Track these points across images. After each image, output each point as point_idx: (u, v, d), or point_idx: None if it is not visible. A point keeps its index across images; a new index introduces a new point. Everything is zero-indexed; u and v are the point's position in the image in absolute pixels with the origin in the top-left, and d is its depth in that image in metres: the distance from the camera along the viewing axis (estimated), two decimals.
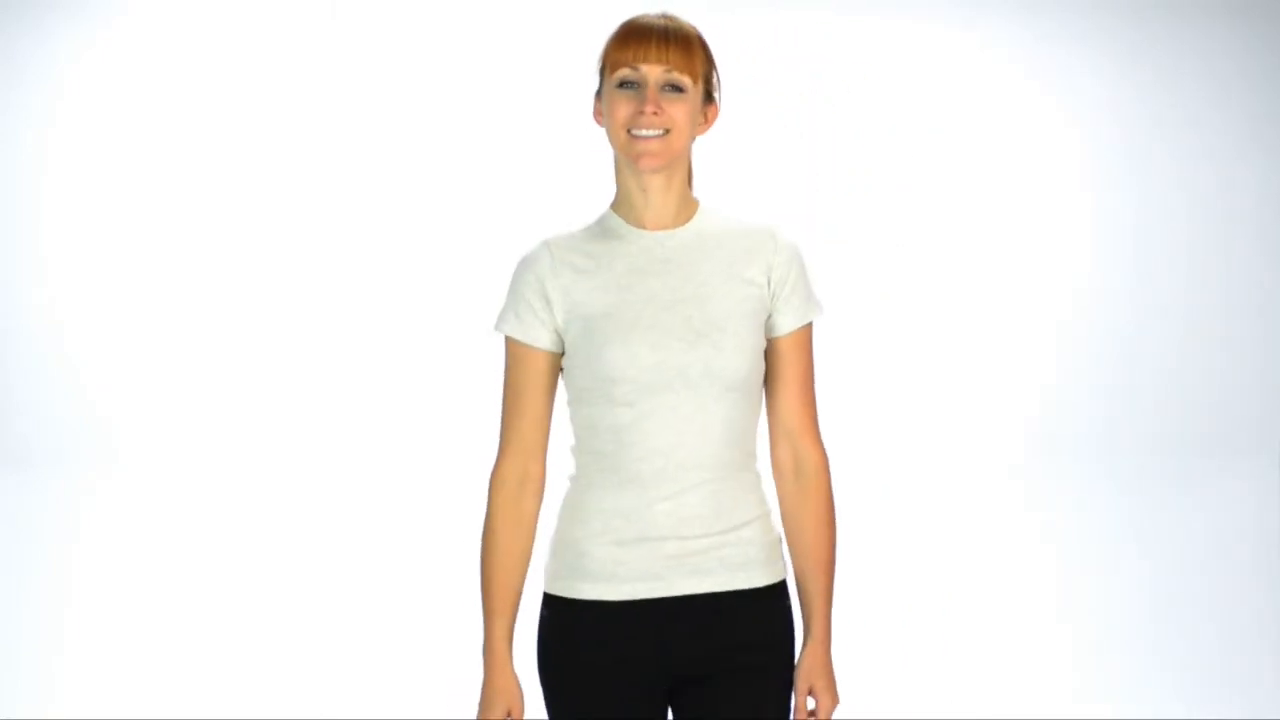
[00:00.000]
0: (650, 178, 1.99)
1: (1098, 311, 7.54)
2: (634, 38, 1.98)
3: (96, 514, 5.87)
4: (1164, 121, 7.74)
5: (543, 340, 1.99)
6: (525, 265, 2.03)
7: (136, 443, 6.98)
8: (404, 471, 6.85)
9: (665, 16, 2.01)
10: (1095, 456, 7.19)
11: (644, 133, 1.99)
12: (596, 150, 7.29)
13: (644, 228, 2.04)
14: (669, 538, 1.99)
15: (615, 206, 2.08)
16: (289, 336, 7.20)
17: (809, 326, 2.04)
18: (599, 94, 2.06)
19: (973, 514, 5.93)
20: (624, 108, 1.98)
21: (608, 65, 2.02)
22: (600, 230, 2.06)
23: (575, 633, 2.02)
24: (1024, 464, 7.28)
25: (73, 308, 7.12)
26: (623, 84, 2.00)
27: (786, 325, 2.00)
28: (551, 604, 2.08)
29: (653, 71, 1.97)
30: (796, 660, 2.02)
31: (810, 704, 2.05)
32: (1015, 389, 7.62)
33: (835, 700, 2.04)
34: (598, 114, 2.08)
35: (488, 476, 2.04)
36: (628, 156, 2.00)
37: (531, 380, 2.01)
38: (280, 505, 6.03)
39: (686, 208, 2.03)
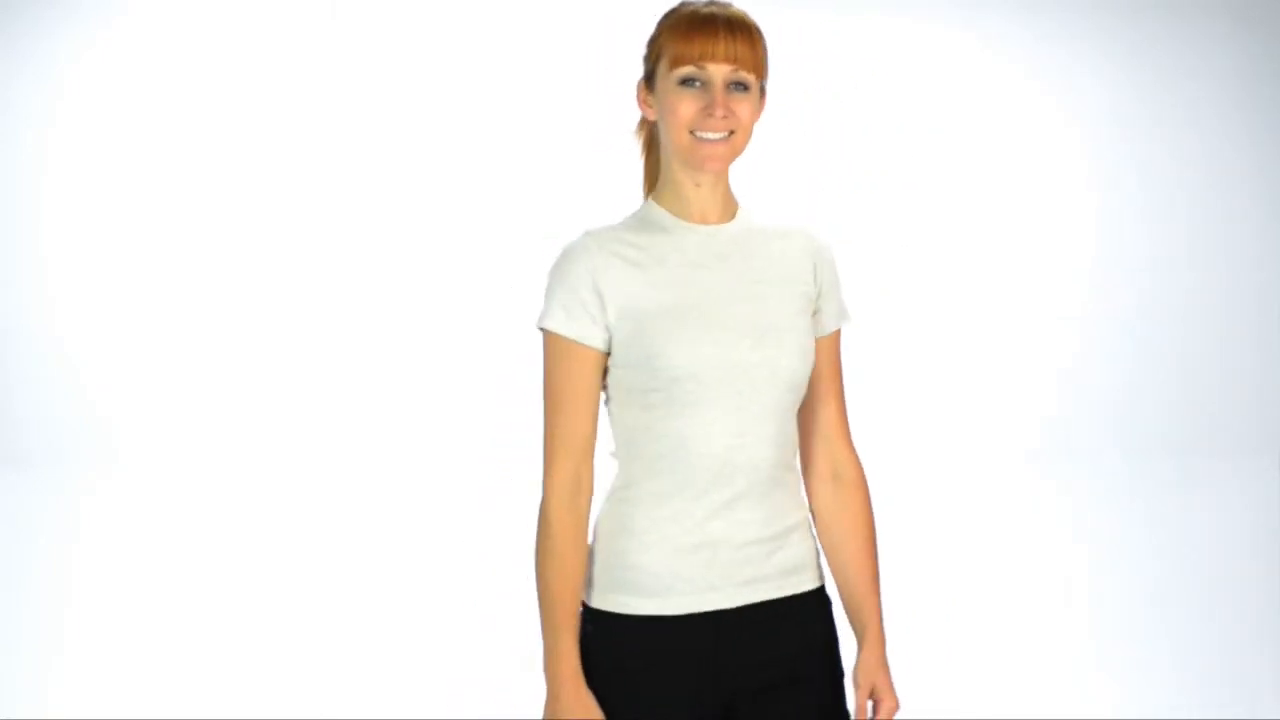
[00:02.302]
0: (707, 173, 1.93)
1: (1100, 311, 7.54)
2: (700, 33, 1.85)
3: (96, 513, 5.87)
4: (1164, 121, 7.75)
5: (594, 337, 1.87)
6: (572, 257, 1.89)
7: (136, 443, 6.98)
8: (402, 470, 6.85)
9: (721, 4, 1.90)
10: (1097, 457, 7.19)
11: (710, 135, 1.87)
12: (597, 150, 7.27)
13: (692, 221, 1.96)
14: (724, 545, 1.89)
15: (658, 199, 1.95)
16: (288, 336, 7.21)
17: (840, 331, 2.02)
18: (649, 81, 1.91)
19: (973, 514, 5.93)
20: (688, 107, 1.85)
21: (667, 57, 1.87)
22: (644, 223, 1.94)
23: (627, 650, 1.89)
24: (1024, 464, 7.28)
25: (73, 308, 7.13)
26: (685, 81, 1.88)
27: (826, 327, 1.96)
28: (599, 620, 1.91)
29: (720, 70, 1.84)
30: (853, 664, 2.00)
31: (869, 707, 2.02)
32: (1016, 389, 7.62)
33: (897, 702, 2.00)
34: (644, 102, 1.92)
35: (542, 482, 1.87)
36: (689, 157, 1.87)
37: (582, 380, 1.88)
38: (279, 504, 6.03)
39: (730, 203, 1.97)
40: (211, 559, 5.18)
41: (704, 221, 1.94)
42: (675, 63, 1.85)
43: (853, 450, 2.04)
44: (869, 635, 2.00)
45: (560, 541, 1.88)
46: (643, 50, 1.94)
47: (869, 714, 2.02)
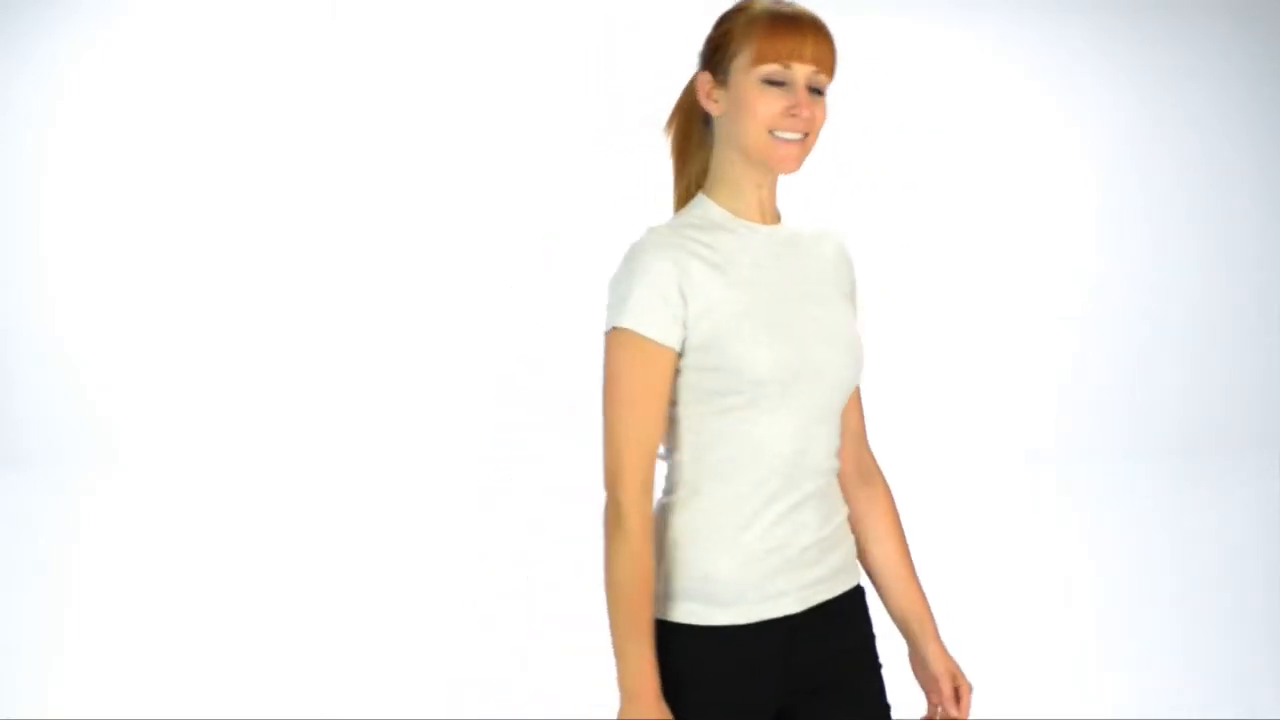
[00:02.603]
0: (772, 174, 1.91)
1: (1101, 311, 7.54)
2: (787, 32, 1.82)
3: (96, 513, 5.87)
4: (1165, 121, 7.75)
5: (673, 338, 1.81)
6: (653, 255, 1.82)
7: (136, 443, 6.98)
8: (402, 470, 6.85)
9: (796, 5, 1.88)
10: (1098, 456, 7.19)
11: (790, 136, 1.86)
12: (597, 150, 7.24)
13: (751, 220, 1.94)
14: (791, 549, 1.87)
15: (713, 196, 1.91)
16: (288, 336, 7.21)
17: None
18: (717, 73, 1.87)
19: (974, 512, 5.93)
20: (769, 106, 1.81)
21: (748, 54, 1.83)
22: (705, 222, 1.89)
23: (699, 662, 1.85)
24: (1026, 464, 7.28)
25: (73, 308, 7.13)
26: (768, 79, 1.86)
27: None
28: (667, 632, 1.86)
29: (804, 71, 1.81)
30: (916, 660, 2.02)
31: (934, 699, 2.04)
32: (1016, 389, 7.63)
33: (969, 683, 2.04)
34: (710, 97, 1.88)
35: (610, 485, 1.80)
36: (765, 156, 1.83)
37: (659, 381, 1.82)
38: (279, 504, 6.03)
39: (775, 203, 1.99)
40: (211, 559, 5.18)
41: (762, 221, 1.93)
42: (759, 60, 1.82)
43: (871, 449, 2.05)
44: (928, 628, 2.01)
45: (641, 546, 1.81)
46: (704, 43, 1.89)
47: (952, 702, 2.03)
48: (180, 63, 6.96)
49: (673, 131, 1.97)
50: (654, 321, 1.80)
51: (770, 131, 1.82)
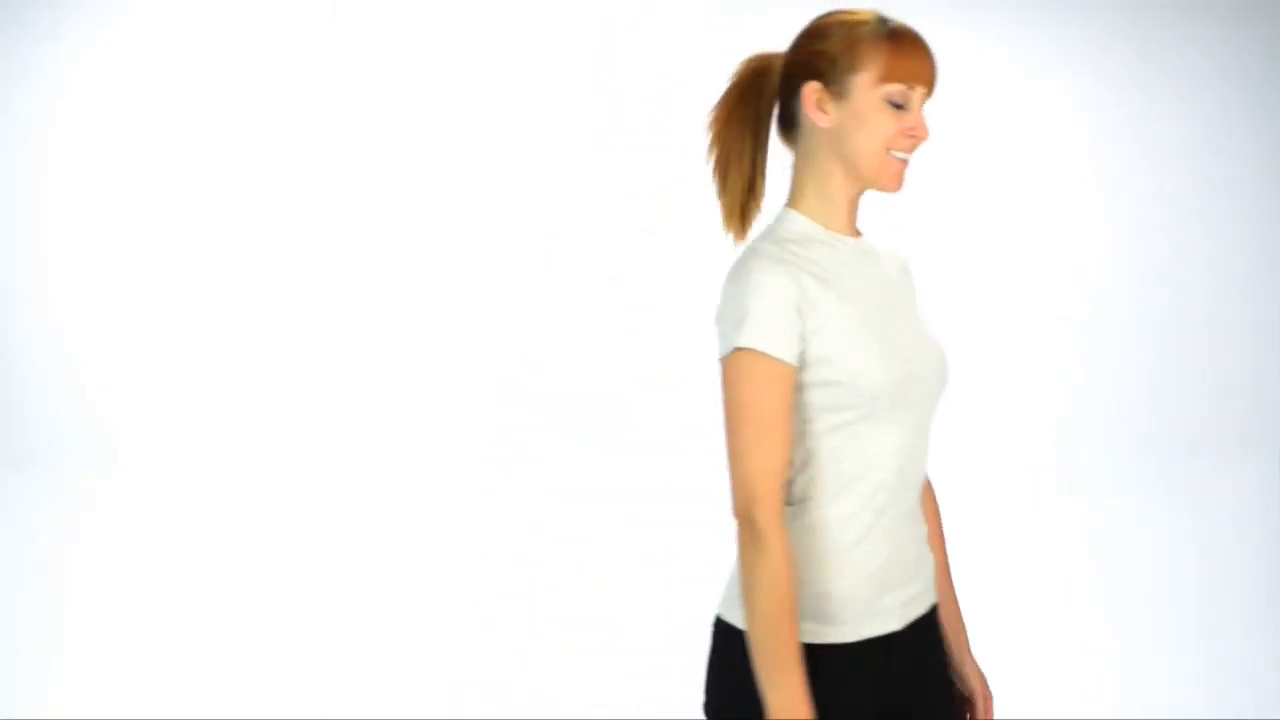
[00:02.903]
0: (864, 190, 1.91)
1: (1103, 312, 7.54)
2: (913, 53, 1.83)
3: (97, 514, 5.88)
4: (1170, 120, 7.75)
5: (795, 355, 1.78)
6: (767, 271, 1.78)
7: (137, 443, 6.98)
8: (403, 470, 6.86)
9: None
10: (1103, 458, 7.18)
11: (904, 155, 1.87)
12: (596, 150, 7.24)
13: (841, 234, 1.93)
14: (896, 565, 1.86)
15: (805, 210, 1.90)
16: (290, 336, 7.21)
17: None
18: (830, 86, 1.86)
19: (977, 514, 5.93)
20: (889, 125, 1.82)
21: (873, 71, 1.83)
22: (800, 236, 1.88)
23: (818, 681, 1.82)
24: (1027, 464, 7.28)
25: (74, 309, 7.13)
26: (891, 99, 1.83)
27: None
28: None
29: (920, 93, 1.83)
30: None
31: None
32: (1019, 390, 7.62)
33: (991, 695, 2.06)
34: (819, 108, 1.86)
35: (746, 512, 1.75)
36: (877, 174, 1.84)
37: (785, 400, 1.78)
38: (280, 504, 6.03)
39: None
40: (212, 559, 5.18)
41: (849, 234, 1.93)
42: (885, 79, 1.82)
43: None
44: (963, 641, 2.03)
45: (786, 571, 1.76)
46: (807, 53, 1.87)
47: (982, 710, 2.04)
48: (181, 63, 6.97)
49: (727, 137, 1.94)
50: (777, 339, 1.77)
51: (887, 150, 1.83)
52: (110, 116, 6.94)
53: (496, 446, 6.87)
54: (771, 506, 1.76)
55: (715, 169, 1.93)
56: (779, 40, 6.56)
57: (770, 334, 1.76)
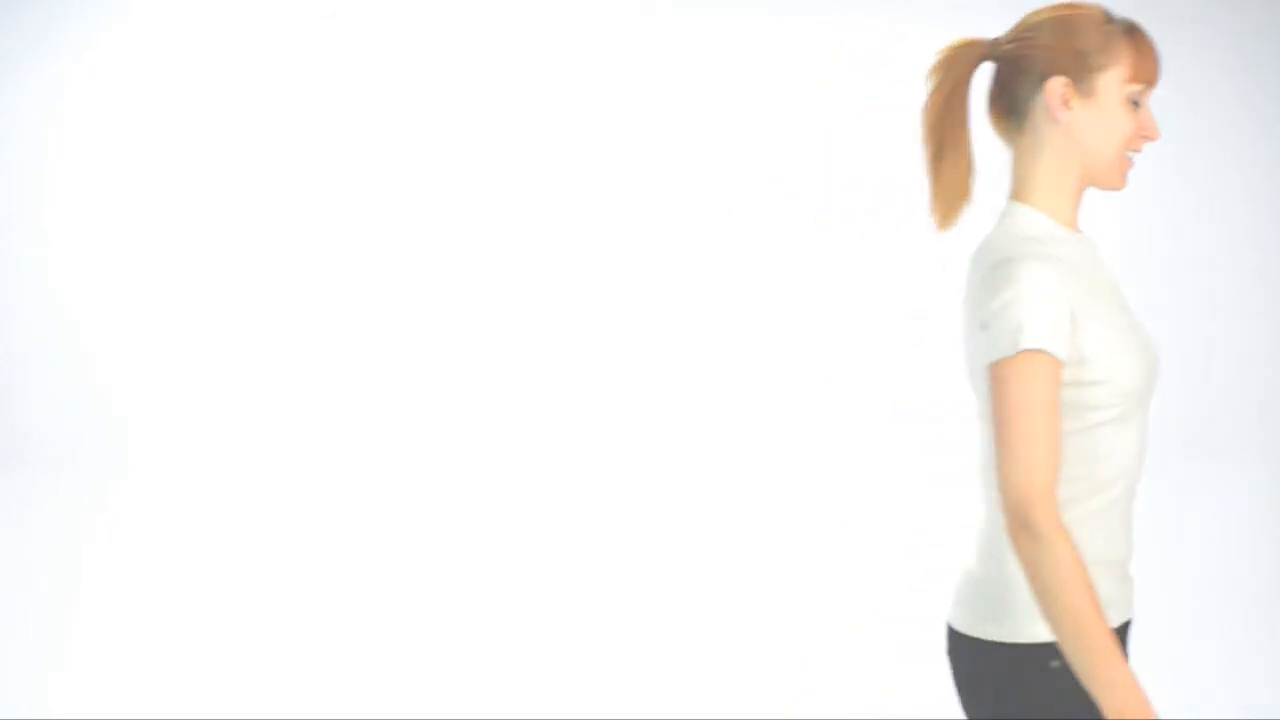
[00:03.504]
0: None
1: None
2: (1150, 53, 1.84)
3: (105, 514, 5.88)
4: (1170, 121, 7.74)
5: (1067, 354, 1.77)
6: (1038, 271, 1.76)
7: (149, 442, 6.98)
8: (412, 470, 6.85)
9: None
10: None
11: (1134, 155, 1.91)
12: (598, 150, 7.23)
13: (1070, 229, 1.89)
14: (1126, 559, 1.87)
15: (1038, 206, 1.89)
16: (303, 336, 7.20)
17: None
18: (1080, 82, 1.85)
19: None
20: (1130, 125, 1.83)
21: (1122, 70, 1.83)
22: (1042, 233, 1.87)
23: (1073, 679, 1.83)
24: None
25: (84, 308, 7.13)
26: (1134, 100, 1.83)
27: None
28: (1043, 654, 1.82)
29: (1149, 94, 1.88)
30: None
31: None
32: None
33: None
34: (1066, 103, 1.84)
35: (1025, 514, 1.72)
36: (1112, 172, 1.85)
37: (1057, 399, 1.76)
38: (287, 504, 6.03)
39: None
40: (215, 559, 5.19)
41: (1073, 229, 1.90)
42: (1133, 79, 1.82)
43: None
44: None
45: (1080, 567, 1.73)
46: (1051, 48, 1.86)
47: None
48: (182, 63, 6.98)
49: (947, 124, 1.90)
50: (1057, 339, 1.75)
51: (1124, 149, 1.84)
52: (118, 115, 6.94)
53: (496, 446, 6.88)
54: (1050, 506, 1.74)
55: (933, 158, 1.91)
56: (779, 41, 6.55)
57: (1053, 334, 1.74)
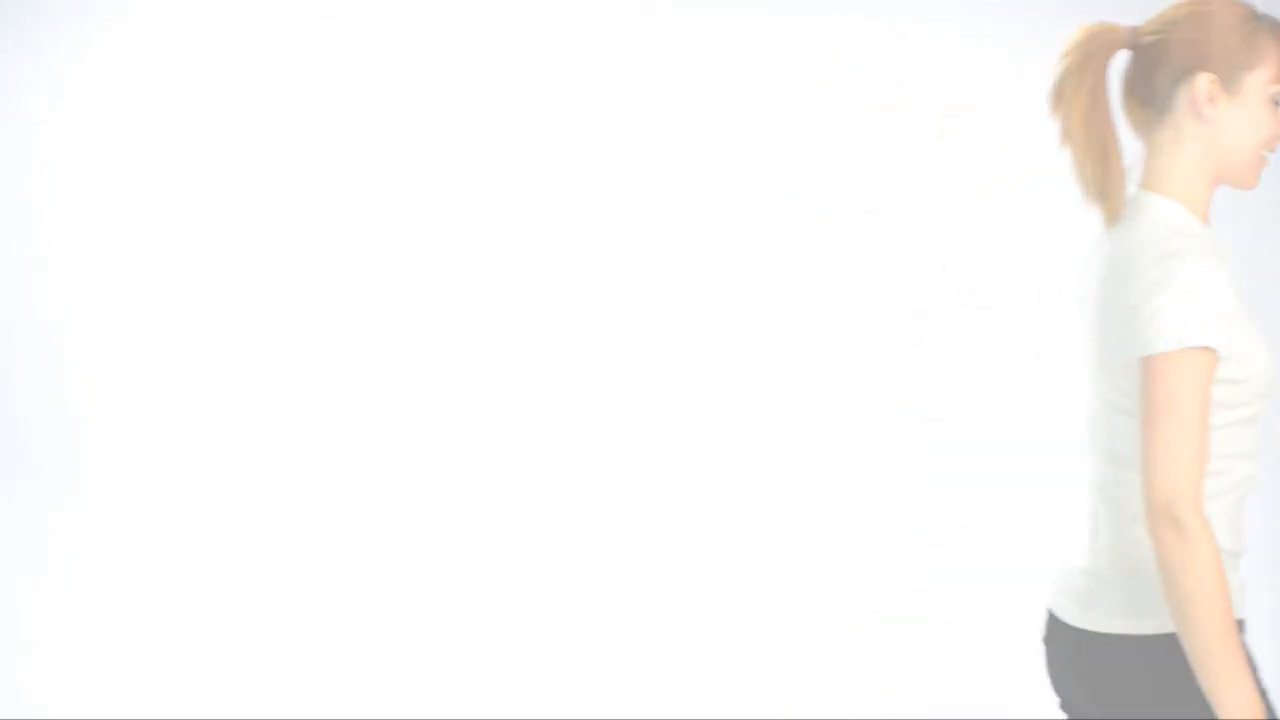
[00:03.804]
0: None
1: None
2: None
3: (93, 512, 5.87)
4: None
5: (1226, 350, 1.77)
6: (1205, 266, 1.75)
7: (136, 442, 6.97)
8: (403, 469, 6.83)
9: None
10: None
11: (1270, 155, 1.90)
12: (597, 150, 7.21)
13: (1205, 224, 1.90)
14: (1242, 557, 1.93)
15: (1176, 199, 1.88)
16: (290, 341, 7.18)
17: None
18: (1226, 80, 1.84)
19: (975, 512, 5.91)
20: (1271, 124, 1.83)
21: (1271, 69, 1.83)
22: (1186, 226, 1.85)
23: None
24: (1028, 463, 7.26)
25: (70, 311, 7.11)
26: (1275, 99, 1.83)
27: None
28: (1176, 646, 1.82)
29: None
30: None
31: None
32: (1018, 390, 7.59)
33: None
34: (1211, 99, 1.83)
35: (1173, 510, 1.70)
36: (1248, 170, 1.85)
37: (1209, 395, 1.76)
38: (279, 502, 6.02)
39: None
40: (209, 558, 5.18)
41: (1207, 225, 1.90)
42: (1278, 78, 1.83)
43: None
44: None
45: (1221, 569, 1.74)
46: (1199, 43, 1.85)
47: None
48: (182, 64, 6.97)
49: (1097, 117, 1.92)
50: (1221, 335, 1.75)
51: (1264, 149, 1.86)
52: (110, 118, 6.92)
53: (496, 446, 6.87)
54: (1199, 504, 1.73)
55: (1098, 160, 1.93)
56: (780, 42, 6.55)
57: (1218, 330, 1.75)
